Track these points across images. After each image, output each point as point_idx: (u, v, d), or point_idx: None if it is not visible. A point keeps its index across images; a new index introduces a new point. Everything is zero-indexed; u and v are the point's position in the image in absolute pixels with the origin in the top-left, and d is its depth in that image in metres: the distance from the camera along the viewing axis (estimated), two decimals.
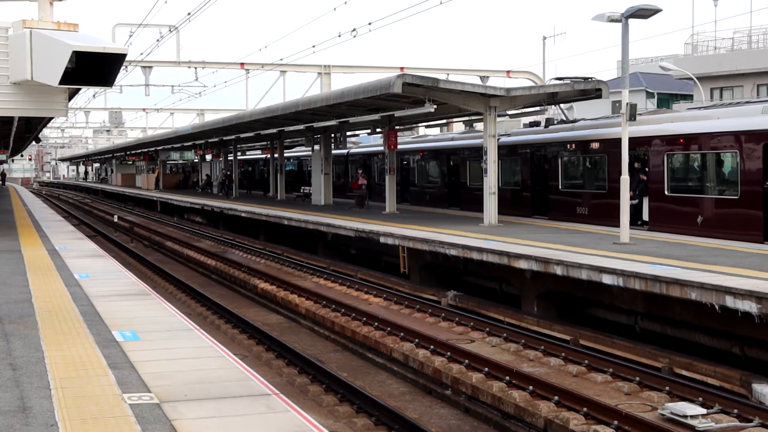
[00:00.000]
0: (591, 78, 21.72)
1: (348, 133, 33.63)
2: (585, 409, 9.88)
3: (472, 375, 11.66)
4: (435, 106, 20.89)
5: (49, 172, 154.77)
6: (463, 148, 29.44)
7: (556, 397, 10.37)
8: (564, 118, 25.59)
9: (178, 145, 55.50)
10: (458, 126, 43.84)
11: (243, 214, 31.85)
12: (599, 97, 22.18)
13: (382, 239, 20.46)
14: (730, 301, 11.06)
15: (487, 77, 39.63)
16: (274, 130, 34.73)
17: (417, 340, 13.75)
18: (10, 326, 9.48)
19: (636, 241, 16.64)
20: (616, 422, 9.43)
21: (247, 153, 58.25)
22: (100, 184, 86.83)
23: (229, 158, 49.06)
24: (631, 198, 18.16)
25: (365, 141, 45.33)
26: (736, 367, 11.62)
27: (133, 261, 27.08)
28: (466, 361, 12.31)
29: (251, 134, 37.32)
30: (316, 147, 33.29)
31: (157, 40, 34.05)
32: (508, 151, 25.49)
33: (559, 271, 14.26)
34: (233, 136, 40.98)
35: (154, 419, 6.13)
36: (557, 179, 23.41)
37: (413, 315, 16.50)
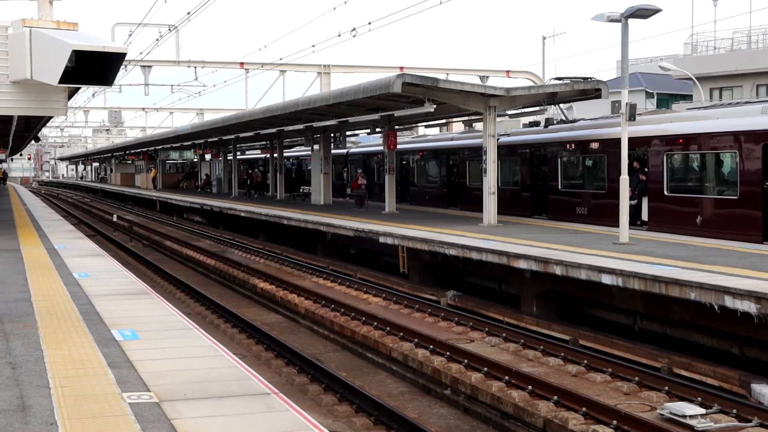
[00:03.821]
0: (590, 78, 21.73)
1: (347, 133, 33.62)
2: (584, 408, 9.89)
3: (471, 375, 11.66)
4: (434, 106, 20.89)
5: (48, 172, 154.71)
6: (462, 148, 29.45)
7: (556, 397, 10.37)
8: (563, 118, 25.59)
9: (178, 144, 55.46)
10: (458, 126, 43.85)
11: (242, 214, 31.85)
12: (599, 97, 22.19)
13: (381, 239, 20.46)
14: (729, 302, 11.06)
15: (487, 77, 39.64)
16: (274, 130, 34.73)
17: (416, 340, 13.75)
18: (9, 325, 9.48)
19: (635, 241, 16.65)
20: (615, 422, 9.44)
21: (247, 153, 58.17)
22: (100, 183, 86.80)
23: (226, 157, 48.97)
24: (630, 198, 18.16)
25: (365, 141, 45.32)
26: (735, 367, 11.62)
27: (132, 260, 27.08)
28: (466, 360, 12.31)
29: (251, 134, 37.33)
30: (316, 147, 33.30)
31: (157, 40, 34.08)
32: (507, 151, 25.49)
33: (558, 271, 14.27)
34: (233, 136, 40.97)
35: (153, 418, 6.12)
36: (557, 179, 23.41)
37: (412, 315, 16.50)
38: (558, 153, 23.42)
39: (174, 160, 65.30)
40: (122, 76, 46.70)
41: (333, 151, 34.00)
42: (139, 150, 65.53)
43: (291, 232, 27.86)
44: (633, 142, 18.34)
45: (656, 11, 16.39)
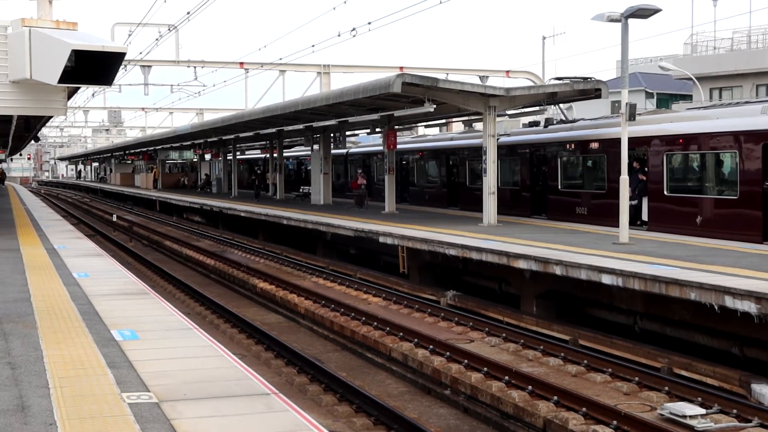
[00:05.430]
0: (590, 78, 21.73)
1: (347, 133, 33.61)
2: (584, 409, 9.88)
3: (471, 375, 11.65)
4: (434, 106, 20.88)
5: (48, 171, 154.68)
6: (462, 148, 29.44)
7: (556, 397, 10.37)
8: (563, 118, 25.58)
9: (177, 144, 55.45)
10: (457, 126, 43.84)
11: (242, 214, 31.83)
12: (598, 97, 22.19)
13: (381, 239, 20.46)
14: (729, 301, 11.06)
15: (487, 77, 39.63)
16: (274, 130, 34.73)
17: (416, 340, 13.74)
18: (8, 325, 9.47)
19: (635, 241, 16.64)
20: (615, 422, 9.43)
21: (246, 153, 58.10)
22: (99, 183, 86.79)
23: (226, 156, 48.93)
24: (630, 198, 18.15)
25: (364, 141, 45.31)
26: (735, 367, 11.62)
27: (132, 260, 27.06)
28: (466, 360, 12.30)
29: (250, 134, 37.35)
30: (316, 147, 33.29)
31: (157, 40, 34.07)
32: (507, 151, 25.49)
33: (558, 271, 14.26)
34: (232, 136, 40.98)
35: (153, 418, 6.12)
36: (556, 179, 23.40)
37: (412, 315, 16.50)
38: (558, 153, 23.41)
39: (174, 160, 65.30)
40: (122, 76, 46.76)
41: (333, 151, 34.00)
42: (138, 150, 65.52)
43: (291, 232, 27.85)
44: (633, 142, 18.33)
45: (656, 11, 16.39)
